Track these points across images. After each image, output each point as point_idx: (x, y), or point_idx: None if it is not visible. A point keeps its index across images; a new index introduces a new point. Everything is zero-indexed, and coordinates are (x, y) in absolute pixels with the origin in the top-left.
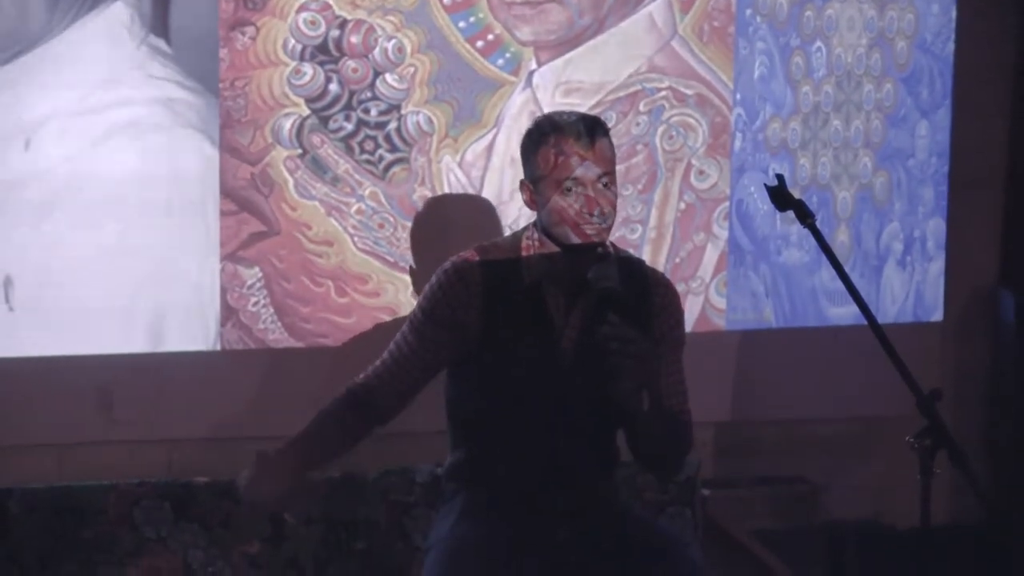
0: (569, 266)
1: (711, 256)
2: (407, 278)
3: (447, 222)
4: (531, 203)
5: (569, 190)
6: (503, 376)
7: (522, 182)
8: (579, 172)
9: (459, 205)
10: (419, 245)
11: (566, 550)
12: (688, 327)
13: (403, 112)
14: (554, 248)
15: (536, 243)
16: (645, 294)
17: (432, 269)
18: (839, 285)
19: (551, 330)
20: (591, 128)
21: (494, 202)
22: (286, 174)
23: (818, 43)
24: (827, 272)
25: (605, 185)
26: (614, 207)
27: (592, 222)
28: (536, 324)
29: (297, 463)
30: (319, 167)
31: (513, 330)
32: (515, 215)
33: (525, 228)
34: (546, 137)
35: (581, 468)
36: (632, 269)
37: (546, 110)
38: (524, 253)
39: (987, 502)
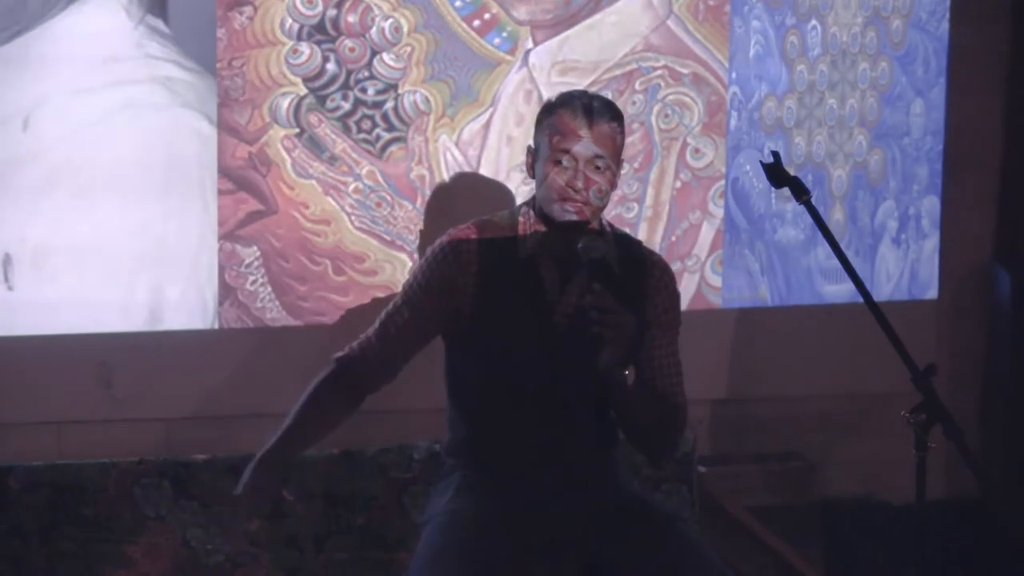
0: (563, 241)
1: (707, 234)
2: (404, 257)
3: (463, 201)
4: (529, 169)
5: (560, 163)
6: (499, 350)
7: (528, 147)
8: (575, 148)
9: (472, 186)
10: (432, 222)
11: (562, 525)
12: (684, 305)
13: (400, 91)
14: (547, 224)
15: (531, 219)
16: (641, 274)
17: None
18: (834, 263)
19: (546, 304)
20: (597, 108)
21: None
22: (284, 153)
23: (813, 22)
24: (822, 250)
25: (598, 168)
26: (604, 192)
27: (575, 198)
28: (532, 298)
29: (291, 453)
30: (316, 146)
31: (509, 304)
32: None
33: (521, 205)
34: (554, 109)
35: (577, 442)
36: (630, 249)
37: (542, 89)
38: (520, 228)
39: (982, 477)
